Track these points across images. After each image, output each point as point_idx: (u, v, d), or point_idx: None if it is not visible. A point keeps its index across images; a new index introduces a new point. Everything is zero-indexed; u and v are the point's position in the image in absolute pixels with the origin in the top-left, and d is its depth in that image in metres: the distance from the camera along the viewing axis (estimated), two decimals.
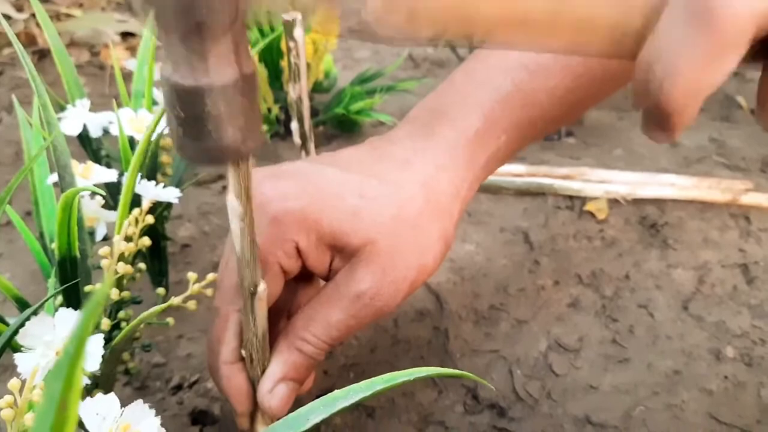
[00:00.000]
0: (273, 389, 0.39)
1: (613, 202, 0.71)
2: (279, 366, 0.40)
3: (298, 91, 0.57)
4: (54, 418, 0.15)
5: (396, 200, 0.41)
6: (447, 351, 0.56)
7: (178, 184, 0.59)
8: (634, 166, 0.77)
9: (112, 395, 0.27)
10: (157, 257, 0.56)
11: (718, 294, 0.61)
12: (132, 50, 1.10)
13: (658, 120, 0.29)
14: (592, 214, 0.70)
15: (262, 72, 0.76)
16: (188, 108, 0.29)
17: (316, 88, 0.87)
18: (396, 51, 1.10)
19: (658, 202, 0.71)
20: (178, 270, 0.64)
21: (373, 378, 0.32)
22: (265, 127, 0.76)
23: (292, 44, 0.54)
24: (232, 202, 0.35)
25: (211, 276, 0.44)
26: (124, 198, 0.41)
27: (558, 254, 0.65)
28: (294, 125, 0.58)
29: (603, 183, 0.73)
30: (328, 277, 0.42)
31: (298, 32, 0.54)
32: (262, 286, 0.38)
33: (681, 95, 0.28)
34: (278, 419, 0.35)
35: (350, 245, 0.40)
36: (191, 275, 0.44)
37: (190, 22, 0.27)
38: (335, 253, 0.41)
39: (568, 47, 0.31)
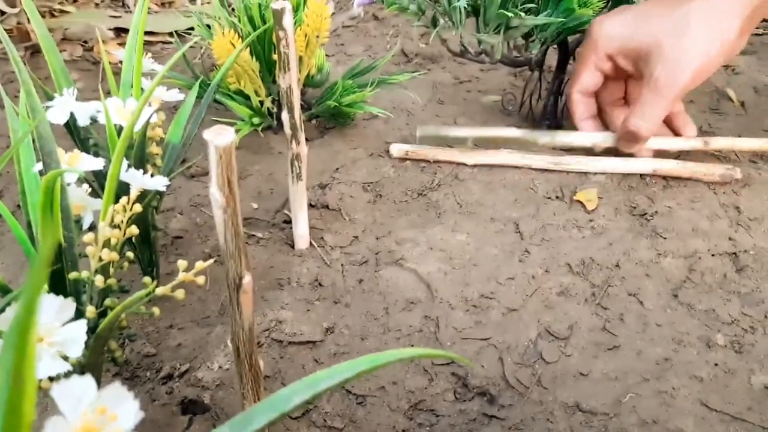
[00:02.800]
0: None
1: (604, 191, 0.71)
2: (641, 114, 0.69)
3: (288, 81, 0.56)
4: (9, 390, 0.15)
5: (680, 15, 0.64)
6: (438, 339, 0.56)
7: (168, 175, 0.59)
8: (624, 156, 0.77)
9: (87, 376, 0.27)
10: (147, 247, 0.56)
11: (708, 282, 0.61)
12: (122, 46, 1.10)
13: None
14: (582, 204, 0.70)
15: (254, 65, 0.76)
16: None
17: (309, 83, 0.87)
18: (388, 46, 1.10)
19: (648, 191, 0.71)
20: (170, 261, 0.64)
21: (357, 359, 0.32)
22: (256, 120, 0.76)
23: (281, 34, 0.54)
24: (215, 194, 0.35)
25: (200, 264, 0.44)
26: (108, 184, 0.41)
27: (548, 243, 0.66)
28: (284, 115, 0.58)
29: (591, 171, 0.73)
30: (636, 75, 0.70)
31: (287, 21, 0.53)
32: (247, 278, 0.38)
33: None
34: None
35: (643, 51, 0.66)
36: (181, 263, 0.44)
37: None
38: (636, 60, 0.68)
39: None
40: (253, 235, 0.67)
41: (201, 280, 0.44)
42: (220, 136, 0.35)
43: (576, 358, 0.54)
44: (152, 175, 0.53)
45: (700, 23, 0.63)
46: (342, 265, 0.64)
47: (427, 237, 0.67)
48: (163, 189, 0.47)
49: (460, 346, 0.55)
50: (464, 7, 0.74)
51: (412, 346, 0.55)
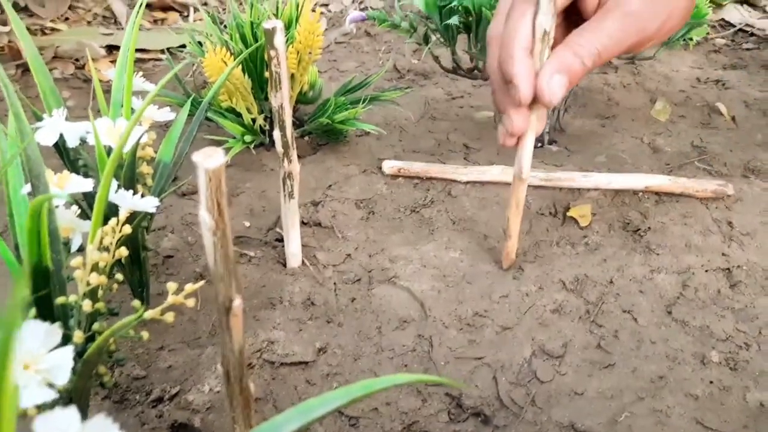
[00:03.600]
0: (551, 78, 0.48)
1: (597, 208, 0.71)
2: (556, 62, 0.48)
3: (279, 99, 0.56)
4: None
5: None
6: (431, 359, 0.56)
7: (159, 195, 0.59)
8: (617, 172, 0.77)
9: (72, 408, 0.27)
10: (137, 268, 0.55)
11: (702, 298, 0.61)
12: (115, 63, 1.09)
13: None
14: (575, 220, 0.70)
15: (246, 82, 0.76)
16: None
17: (302, 99, 0.87)
18: (381, 62, 1.10)
19: (641, 207, 0.71)
20: (161, 281, 0.64)
21: (350, 385, 0.32)
22: (248, 138, 0.76)
23: (273, 53, 0.54)
24: (204, 217, 0.35)
25: (189, 287, 0.43)
26: (97, 206, 0.41)
27: (542, 260, 0.65)
28: (276, 133, 0.58)
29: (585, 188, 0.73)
30: (595, 11, 0.50)
31: (278, 40, 0.53)
32: (237, 302, 0.38)
33: None
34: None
35: None
36: (170, 285, 0.44)
37: None
38: None
39: None
40: (245, 254, 0.67)
41: (191, 302, 0.44)
42: (210, 159, 0.34)
43: (570, 376, 0.54)
44: (143, 195, 0.53)
45: None
46: (335, 283, 0.63)
47: (420, 254, 0.67)
48: (153, 210, 0.47)
49: (453, 365, 0.55)
50: (456, 24, 0.74)
51: (406, 366, 0.55)
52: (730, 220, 0.69)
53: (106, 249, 0.42)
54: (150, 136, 0.55)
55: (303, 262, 0.66)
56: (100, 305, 0.41)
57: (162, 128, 0.78)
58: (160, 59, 1.11)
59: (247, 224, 0.71)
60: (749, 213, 0.70)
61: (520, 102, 0.50)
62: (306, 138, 0.87)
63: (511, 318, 0.59)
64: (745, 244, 0.66)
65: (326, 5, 1.34)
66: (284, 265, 0.65)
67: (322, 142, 0.86)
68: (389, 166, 0.78)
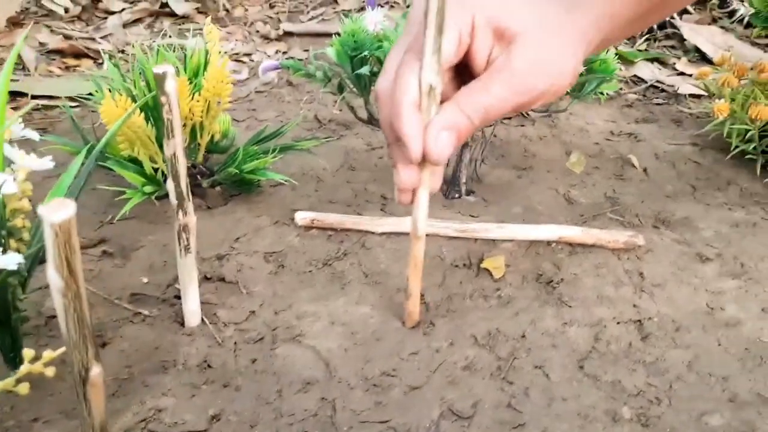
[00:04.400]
0: (438, 135, 0.48)
1: (511, 259, 0.70)
2: (443, 119, 0.48)
3: (172, 147, 0.53)
4: None
5: (546, 15, 0.50)
6: (333, 423, 0.52)
7: (41, 251, 0.54)
8: (532, 223, 0.76)
9: None
10: (7, 331, 0.50)
11: (614, 352, 0.60)
12: (19, 110, 1.04)
13: None
14: (489, 272, 0.68)
15: (149, 131, 0.72)
16: None
17: (213, 148, 0.84)
18: (301, 111, 1.09)
19: (555, 258, 0.70)
20: (41, 344, 0.58)
21: None
22: (149, 188, 0.72)
23: (164, 99, 0.51)
24: (52, 276, 0.31)
25: (47, 354, 0.39)
26: None
27: (454, 314, 0.63)
28: (169, 184, 0.55)
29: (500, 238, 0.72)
30: (485, 69, 0.49)
31: (169, 86, 0.51)
32: (95, 370, 0.34)
33: None
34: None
35: (509, 31, 0.48)
36: (27, 352, 0.39)
37: None
38: (496, 40, 0.49)
39: None
40: (140, 313, 0.62)
41: (51, 371, 0.39)
42: (57, 212, 0.31)
43: None
44: (19, 251, 0.48)
45: (566, 37, 0.52)
46: (235, 343, 0.59)
47: (329, 310, 0.64)
48: (15, 267, 0.42)
49: (357, 430, 0.51)
50: (367, 75, 0.73)
51: None
52: (641, 271, 0.69)
53: None
54: (25, 187, 0.51)
55: (202, 320, 0.61)
56: None
57: (55, 178, 0.73)
58: (70, 106, 1.06)
59: (145, 280, 0.67)
60: (660, 264, 0.71)
61: (410, 159, 0.49)
62: (217, 188, 0.83)
63: (420, 377, 0.56)
64: (656, 295, 0.66)
65: (249, 54, 1.32)
66: (182, 324, 0.61)
67: (235, 192, 0.83)
68: (302, 217, 0.75)
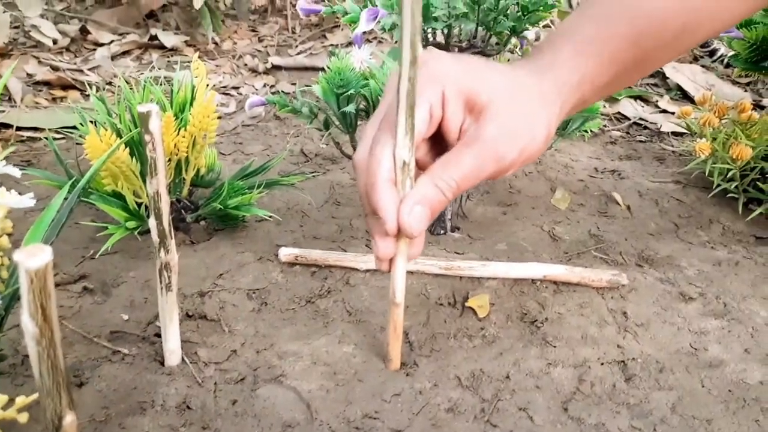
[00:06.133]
0: (412, 209, 0.49)
1: (495, 297, 0.70)
2: (417, 194, 0.49)
3: (155, 185, 0.53)
4: None
5: (516, 82, 0.52)
6: None
7: (18, 289, 0.53)
8: (517, 260, 0.76)
9: None
10: None
11: (598, 393, 0.59)
12: (5, 141, 1.04)
13: None
14: (473, 311, 0.68)
15: (134, 166, 0.72)
16: None
17: (199, 182, 0.83)
18: (288, 145, 1.09)
19: (539, 297, 0.70)
20: (17, 384, 0.57)
21: None
22: (131, 224, 0.71)
23: (148, 137, 0.51)
24: (27, 323, 0.31)
25: (20, 400, 0.38)
26: None
27: (438, 354, 0.63)
28: (152, 222, 0.54)
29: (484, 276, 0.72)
30: (458, 139, 0.51)
31: (154, 125, 0.51)
32: (69, 418, 0.33)
33: None
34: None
35: (479, 101, 0.50)
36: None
37: None
38: (467, 112, 0.51)
39: None
40: (119, 351, 0.61)
41: (24, 417, 0.38)
42: (34, 258, 0.31)
43: None
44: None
45: (535, 104, 0.53)
46: (215, 383, 0.58)
47: (312, 349, 0.63)
48: None
49: None
50: (353, 113, 0.74)
51: None
52: (624, 310, 0.69)
53: None
54: (5, 225, 0.50)
55: (183, 359, 0.60)
56: None
57: (38, 212, 0.72)
58: (55, 138, 1.06)
59: (126, 317, 0.66)
60: (643, 303, 0.71)
61: (386, 232, 0.50)
62: (201, 223, 0.83)
63: (402, 419, 0.55)
64: (640, 335, 0.66)
65: (237, 88, 1.33)
66: (162, 363, 0.60)
67: (219, 227, 0.82)
68: (285, 253, 0.75)
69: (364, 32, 0.76)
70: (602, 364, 0.62)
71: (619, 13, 0.59)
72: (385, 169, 0.49)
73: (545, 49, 0.58)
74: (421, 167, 0.52)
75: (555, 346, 0.64)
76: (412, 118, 0.47)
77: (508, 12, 0.81)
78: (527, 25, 0.83)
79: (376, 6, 0.71)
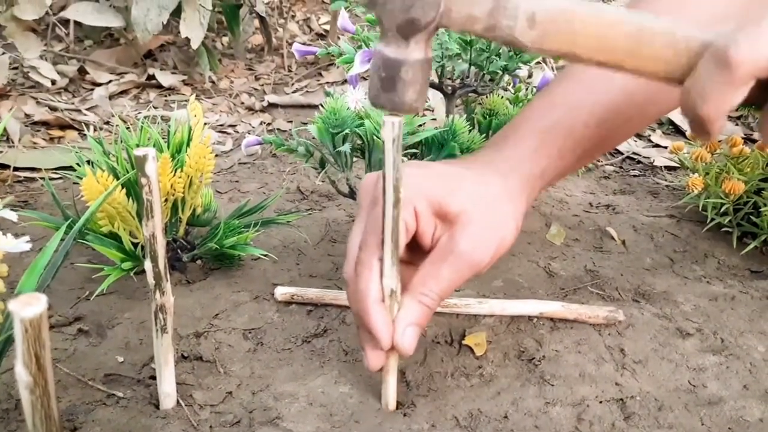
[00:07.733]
0: (404, 331, 0.54)
1: (492, 335, 0.70)
2: (407, 315, 0.55)
3: (151, 228, 0.53)
4: None
5: (483, 188, 0.57)
6: None
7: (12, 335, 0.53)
8: (513, 297, 0.76)
9: None
10: None
11: None
12: (3, 182, 1.04)
13: (696, 127, 0.44)
14: (470, 349, 0.68)
15: (130, 207, 0.72)
16: (388, 71, 0.46)
17: (195, 222, 0.84)
18: (284, 183, 1.10)
19: (536, 334, 0.70)
20: (10, 429, 0.57)
21: None
22: (127, 265, 0.71)
23: (144, 180, 0.52)
24: (21, 373, 0.30)
25: None
26: None
27: (435, 394, 0.62)
28: (147, 264, 0.54)
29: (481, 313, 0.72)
30: (431, 247, 0.56)
31: (150, 169, 0.51)
32: None
33: (708, 112, 0.42)
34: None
35: (450, 212, 0.55)
36: None
37: (406, 17, 0.44)
38: (438, 221, 0.56)
39: (636, 71, 0.45)
40: (113, 395, 0.61)
41: None
42: (28, 307, 0.31)
43: None
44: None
45: (503, 203, 0.57)
46: (210, 427, 0.58)
47: (308, 390, 0.62)
48: None
49: None
50: (348, 152, 0.75)
51: None
52: (622, 347, 0.69)
53: None
54: (0, 269, 0.50)
55: (178, 402, 0.60)
56: None
57: (34, 253, 0.72)
58: (52, 178, 1.06)
59: (121, 359, 0.65)
60: (641, 339, 0.71)
61: (381, 348, 0.55)
62: (198, 262, 0.83)
63: None
64: (638, 372, 0.66)
65: (233, 126, 1.34)
66: (157, 406, 0.60)
67: (215, 266, 0.82)
68: (282, 292, 0.75)
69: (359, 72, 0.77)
70: (601, 402, 0.62)
71: (582, 98, 0.64)
72: (374, 291, 0.54)
73: (509, 135, 0.64)
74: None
75: (553, 385, 0.64)
76: (397, 251, 0.52)
77: (500, 52, 0.83)
78: (519, 64, 0.85)
79: (370, 48, 0.73)
